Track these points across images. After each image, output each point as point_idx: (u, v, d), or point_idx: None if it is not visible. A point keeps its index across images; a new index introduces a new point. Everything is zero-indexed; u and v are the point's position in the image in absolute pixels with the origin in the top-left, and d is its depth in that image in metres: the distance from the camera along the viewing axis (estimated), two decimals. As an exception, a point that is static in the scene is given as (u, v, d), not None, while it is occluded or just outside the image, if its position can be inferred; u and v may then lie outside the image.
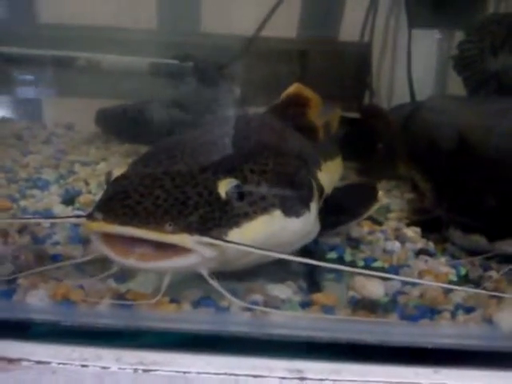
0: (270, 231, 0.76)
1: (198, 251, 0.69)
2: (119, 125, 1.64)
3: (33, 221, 0.96)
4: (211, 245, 0.70)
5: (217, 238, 0.70)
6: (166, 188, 0.72)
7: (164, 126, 1.41)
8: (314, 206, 0.85)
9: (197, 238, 0.68)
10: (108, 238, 0.71)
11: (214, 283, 0.72)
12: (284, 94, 1.07)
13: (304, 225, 0.81)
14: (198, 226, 0.69)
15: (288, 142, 0.94)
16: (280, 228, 0.77)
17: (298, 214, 0.79)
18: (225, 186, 0.73)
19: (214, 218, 0.71)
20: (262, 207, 0.75)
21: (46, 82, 1.59)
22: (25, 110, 1.85)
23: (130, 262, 0.69)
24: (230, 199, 0.73)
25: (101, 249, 0.71)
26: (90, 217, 0.71)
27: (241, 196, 0.74)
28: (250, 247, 0.72)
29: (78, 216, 0.78)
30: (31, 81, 1.63)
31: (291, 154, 0.88)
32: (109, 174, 0.77)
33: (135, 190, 0.71)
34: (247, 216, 0.74)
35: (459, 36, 1.58)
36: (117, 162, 1.46)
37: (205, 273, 0.72)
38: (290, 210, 0.78)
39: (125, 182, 0.74)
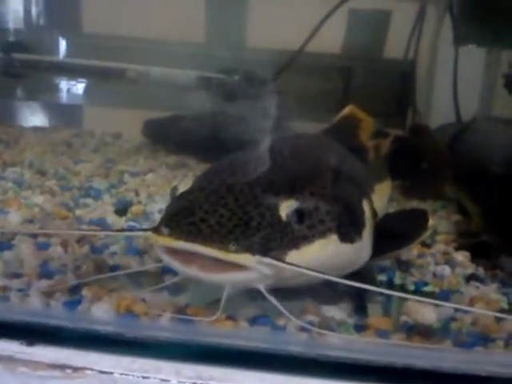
0: (326, 255, 0.78)
1: (256, 268, 0.72)
2: (166, 135, 1.67)
3: (101, 233, 0.99)
4: (270, 264, 0.73)
5: (276, 259, 0.72)
6: (229, 207, 0.74)
7: (210, 138, 1.44)
8: (368, 232, 0.86)
9: (258, 258, 0.71)
10: (171, 249, 0.73)
11: (273, 300, 0.74)
12: (339, 116, 1.09)
13: (357, 250, 0.82)
14: (260, 246, 0.71)
15: (345, 164, 0.95)
16: (335, 252, 0.79)
17: (352, 240, 0.80)
18: (286, 209, 0.75)
19: (275, 240, 0.73)
20: (319, 231, 0.77)
21: (94, 92, 1.64)
22: (73, 118, 1.91)
23: (194, 272, 0.72)
24: (290, 221, 0.75)
25: (166, 259, 0.74)
26: (156, 231, 0.73)
27: (300, 219, 0.76)
28: (307, 270, 0.73)
29: (145, 230, 0.80)
30: (80, 90, 1.68)
31: (348, 177, 0.89)
32: (174, 188, 0.80)
33: (200, 207, 0.74)
34: (305, 239, 0.76)
35: (507, 54, 1.56)
36: (165, 174, 1.48)
37: (263, 289, 0.74)
38: (345, 236, 0.79)
39: (190, 198, 0.76)
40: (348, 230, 0.80)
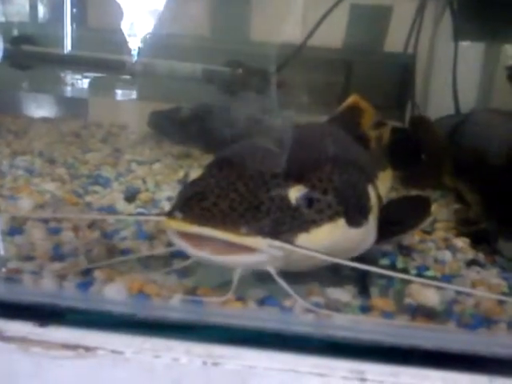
0: (334, 238, 0.80)
1: (266, 250, 0.74)
2: (171, 127, 1.69)
3: (117, 217, 1.01)
4: (280, 247, 0.75)
5: (286, 242, 0.75)
6: (240, 192, 0.76)
7: (214, 129, 1.46)
8: (374, 217, 0.88)
9: (269, 240, 0.73)
10: (182, 233, 0.76)
11: (281, 282, 0.77)
12: (343, 105, 1.11)
13: (363, 234, 0.85)
14: (270, 229, 0.74)
15: (351, 152, 0.97)
16: (342, 236, 0.81)
17: (359, 224, 0.83)
18: (295, 193, 0.77)
19: (285, 223, 0.76)
20: (327, 215, 0.79)
21: (101, 84, 1.66)
22: (80, 109, 1.92)
23: (205, 254, 0.74)
24: (299, 205, 0.77)
25: (178, 243, 0.76)
26: (170, 216, 0.75)
27: (309, 203, 0.78)
28: (316, 253, 0.76)
29: (159, 214, 0.82)
30: (87, 82, 1.70)
31: (354, 163, 0.91)
32: (186, 175, 0.82)
33: (212, 192, 0.76)
34: (314, 223, 0.78)
35: (507, 49, 1.58)
36: (170, 163, 1.50)
37: (273, 271, 0.77)
38: (352, 220, 0.81)
39: (202, 184, 0.78)
40: (355, 214, 0.83)
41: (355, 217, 0.83)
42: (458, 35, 1.69)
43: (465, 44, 1.72)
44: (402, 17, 1.77)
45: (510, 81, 1.45)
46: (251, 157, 0.83)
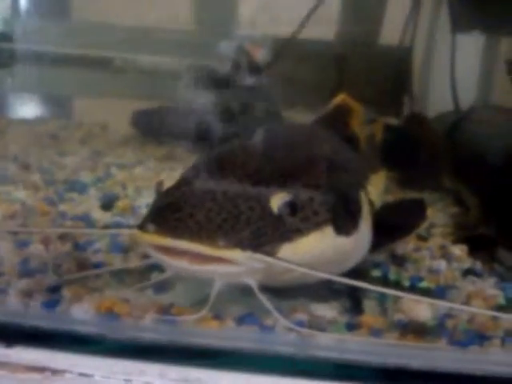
0: (321, 248, 0.74)
1: (246, 262, 0.69)
2: (155, 127, 1.64)
3: (84, 232, 0.96)
4: (261, 259, 0.69)
5: (268, 254, 0.69)
6: (217, 201, 0.71)
7: (203, 128, 1.41)
8: (365, 224, 0.82)
9: (248, 253, 0.68)
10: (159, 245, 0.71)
11: (262, 297, 0.72)
12: (331, 105, 1.05)
13: (354, 244, 0.79)
14: (250, 241, 0.69)
15: (339, 154, 0.92)
16: (330, 246, 0.75)
17: (348, 232, 0.77)
18: (277, 201, 0.72)
19: (266, 234, 0.70)
20: (313, 223, 0.74)
21: (82, 82, 1.60)
22: (59, 109, 1.87)
23: (182, 264, 0.69)
24: (282, 214, 0.72)
25: (153, 254, 0.72)
26: (142, 227, 0.71)
27: (293, 211, 0.73)
28: (299, 267, 0.70)
29: (130, 227, 0.77)
30: (65, 80, 1.64)
31: (342, 167, 0.86)
32: (160, 183, 0.77)
33: (187, 201, 0.71)
34: (299, 232, 0.72)
35: (506, 41, 1.52)
36: (153, 166, 1.45)
37: (253, 284, 0.71)
38: (341, 228, 0.76)
39: (177, 194, 0.73)
40: (344, 221, 0.77)
41: (344, 225, 0.77)
42: (456, 28, 1.62)
43: (463, 37, 1.65)
44: (397, 7, 1.70)
45: (509, 75, 1.40)
46: (229, 163, 0.77)
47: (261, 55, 1.56)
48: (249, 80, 1.52)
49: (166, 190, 0.76)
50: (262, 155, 0.80)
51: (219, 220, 0.68)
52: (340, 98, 1.04)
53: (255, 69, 1.54)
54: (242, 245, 0.67)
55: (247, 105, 1.46)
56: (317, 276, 0.73)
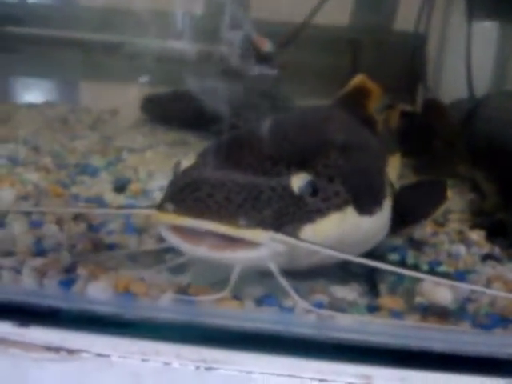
0: (343, 229, 0.73)
1: (267, 245, 0.67)
2: (166, 112, 1.62)
3: (103, 211, 0.94)
4: (282, 240, 0.68)
5: (290, 235, 0.68)
6: (237, 181, 0.69)
7: (212, 114, 1.40)
8: (387, 204, 0.81)
9: (270, 233, 0.67)
10: (175, 228, 0.69)
11: (283, 280, 0.70)
12: (349, 86, 1.03)
13: (377, 223, 0.78)
14: (272, 221, 0.67)
15: (358, 135, 0.90)
16: (352, 226, 0.74)
17: (371, 212, 0.76)
18: (298, 181, 0.71)
19: (287, 214, 0.69)
20: (335, 204, 0.72)
21: (91, 67, 1.59)
22: (67, 94, 1.86)
23: (201, 251, 0.67)
24: (303, 195, 0.71)
25: (170, 239, 0.70)
26: (160, 208, 0.69)
27: (314, 191, 0.71)
28: (322, 248, 0.69)
29: (149, 207, 0.75)
30: (75, 64, 1.63)
31: (363, 147, 0.85)
32: (177, 164, 0.75)
33: (206, 181, 0.69)
34: (320, 212, 0.71)
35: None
36: (164, 151, 1.43)
37: (274, 269, 0.70)
38: (363, 208, 0.75)
39: (195, 174, 0.72)
40: (366, 201, 0.76)
41: (366, 204, 0.76)
42: (471, 14, 1.59)
43: (478, 24, 1.63)
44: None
45: None
46: (249, 143, 0.76)
47: (267, 47, 1.54)
48: (256, 70, 1.51)
49: (183, 171, 0.74)
50: (281, 136, 0.79)
51: (239, 200, 0.67)
52: (358, 79, 1.02)
53: (263, 59, 1.52)
54: (263, 224, 0.66)
55: (256, 93, 1.44)
56: (339, 257, 0.71)
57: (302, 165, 0.73)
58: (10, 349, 0.66)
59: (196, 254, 0.69)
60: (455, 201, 1.21)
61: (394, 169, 1.03)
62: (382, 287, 0.83)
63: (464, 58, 1.61)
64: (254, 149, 0.74)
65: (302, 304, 0.70)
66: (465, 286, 0.78)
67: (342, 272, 0.83)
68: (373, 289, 0.82)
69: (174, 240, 0.69)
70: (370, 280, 0.84)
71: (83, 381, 0.66)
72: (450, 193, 0.91)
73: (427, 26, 1.69)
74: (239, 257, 0.67)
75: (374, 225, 0.77)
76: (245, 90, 1.49)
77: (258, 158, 0.72)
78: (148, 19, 1.48)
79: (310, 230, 0.70)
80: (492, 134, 1.21)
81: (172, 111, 1.61)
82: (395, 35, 1.73)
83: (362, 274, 0.84)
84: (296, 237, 0.68)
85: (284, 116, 0.87)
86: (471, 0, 1.61)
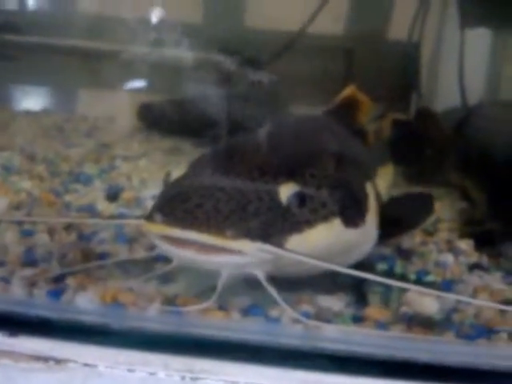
0: (329, 240, 0.74)
1: (255, 254, 0.68)
2: (162, 120, 1.63)
3: (91, 221, 0.95)
4: (269, 250, 0.69)
5: (277, 245, 0.69)
6: (225, 192, 0.70)
7: (208, 122, 1.41)
8: (372, 217, 0.82)
9: (258, 244, 0.68)
10: (166, 235, 0.70)
11: (269, 287, 0.71)
12: (339, 97, 1.05)
13: (361, 236, 0.79)
14: (259, 232, 0.68)
15: (347, 147, 0.91)
16: (338, 237, 0.75)
17: (356, 224, 0.77)
18: (285, 192, 0.72)
19: (275, 224, 0.70)
20: (322, 215, 0.73)
21: (87, 74, 1.60)
22: (63, 101, 1.87)
23: (189, 254, 0.68)
24: (290, 205, 0.72)
25: (159, 244, 0.71)
26: (149, 218, 0.70)
27: (301, 202, 0.72)
28: (309, 259, 0.69)
29: (137, 217, 0.77)
30: (72, 72, 1.64)
31: (351, 159, 0.86)
32: (168, 174, 0.76)
33: (195, 192, 0.70)
34: (307, 223, 0.72)
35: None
36: (159, 159, 1.45)
37: (261, 276, 0.71)
38: (348, 220, 0.75)
39: (185, 184, 0.73)
40: (352, 213, 0.77)
41: (352, 216, 0.76)
42: (464, 23, 1.60)
43: (472, 32, 1.64)
44: (406, 3, 1.70)
45: None
46: (238, 153, 0.77)
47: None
48: (251, 77, 1.52)
49: (173, 181, 0.76)
50: (270, 146, 0.80)
51: (227, 210, 0.68)
52: (349, 90, 1.04)
53: (256, 66, 1.53)
54: (250, 235, 0.67)
55: (251, 101, 1.45)
56: (325, 267, 0.73)
57: (290, 175, 0.74)
58: (0, 359, 0.67)
59: (184, 257, 0.70)
60: (445, 210, 1.22)
61: (385, 179, 1.04)
62: (370, 297, 0.84)
63: (457, 66, 1.63)
64: (243, 159, 0.75)
65: (290, 313, 0.71)
66: (450, 296, 0.78)
67: (329, 282, 0.83)
68: (361, 299, 0.83)
69: (162, 245, 0.71)
70: (358, 290, 0.84)
71: (71, 390, 0.69)
72: (437, 205, 0.92)
73: (421, 34, 1.70)
74: (225, 261, 0.68)
75: (359, 236, 0.78)
76: (240, 97, 1.51)
77: (246, 169, 0.73)
78: (144, 27, 1.50)
79: (297, 241, 0.70)
80: (482, 144, 1.22)
81: (167, 119, 1.63)
82: (389, 44, 1.74)
83: (349, 284, 0.84)
84: (283, 247, 0.69)
85: (273, 126, 0.88)
86: (464, 9, 1.62)
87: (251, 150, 0.78)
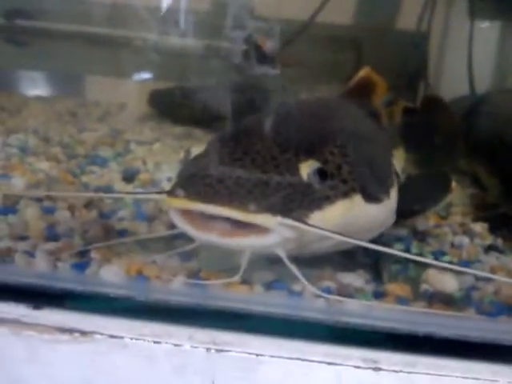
0: (350, 216, 0.74)
1: (277, 231, 0.68)
2: (173, 106, 1.63)
3: (115, 196, 0.96)
4: (291, 226, 0.69)
5: (298, 220, 0.69)
6: (247, 167, 0.71)
7: (217, 108, 1.42)
8: (394, 193, 0.83)
9: (279, 219, 0.68)
10: (185, 214, 0.70)
11: (291, 266, 0.72)
12: (355, 78, 1.06)
13: (383, 211, 0.79)
14: (281, 206, 0.68)
15: (366, 126, 0.92)
16: (359, 213, 0.75)
17: (377, 200, 0.77)
18: (306, 168, 0.72)
19: (296, 200, 0.70)
20: (342, 191, 0.74)
21: (99, 61, 1.61)
22: (77, 87, 1.87)
23: (211, 237, 0.69)
24: (311, 181, 0.72)
25: (181, 225, 0.71)
26: (171, 193, 0.70)
27: (322, 179, 0.73)
28: (331, 233, 0.70)
29: (160, 192, 0.77)
30: (83, 59, 1.65)
31: (370, 138, 0.86)
32: (187, 151, 0.77)
33: (216, 168, 0.71)
34: (328, 199, 0.72)
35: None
36: (171, 143, 1.45)
37: (283, 255, 0.71)
38: (370, 196, 0.76)
39: (205, 160, 0.73)
40: (373, 189, 0.77)
41: (374, 192, 0.77)
42: (473, 13, 1.62)
43: (480, 23, 1.66)
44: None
45: None
46: (258, 131, 0.77)
47: (269, 46, 1.56)
48: (259, 69, 1.53)
49: (193, 158, 0.76)
50: (290, 125, 0.80)
51: (249, 186, 0.68)
52: (364, 72, 1.04)
53: (264, 58, 1.54)
54: (272, 210, 0.67)
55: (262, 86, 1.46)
56: (348, 242, 0.73)
57: (310, 153, 0.74)
58: (25, 331, 0.68)
59: (206, 239, 0.70)
60: (457, 194, 1.22)
61: (399, 161, 1.04)
62: (386, 275, 0.85)
63: (465, 56, 1.63)
64: (263, 137, 0.76)
65: (311, 289, 0.72)
66: (471, 272, 0.79)
67: (347, 260, 0.84)
68: (377, 277, 0.83)
69: (184, 226, 0.71)
70: (374, 268, 0.85)
71: (96, 361, 0.68)
72: (454, 185, 0.93)
73: (429, 24, 1.70)
74: (249, 243, 0.68)
75: (380, 212, 0.78)
76: (248, 87, 1.51)
77: (267, 146, 0.74)
78: (156, 15, 1.51)
79: (317, 217, 0.71)
80: (492, 130, 1.23)
81: (178, 106, 1.63)
82: (398, 34, 1.75)
83: (366, 263, 0.86)
84: (304, 222, 0.69)
85: (292, 105, 0.89)
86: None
87: (272, 128, 0.78)
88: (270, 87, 1.49)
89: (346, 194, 0.74)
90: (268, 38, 1.55)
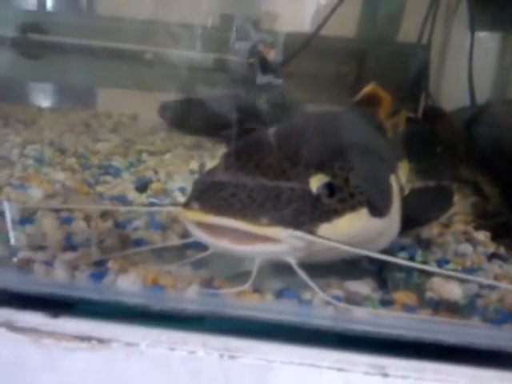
0: (356, 229, 0.77)
1: (288, 242, 0.71)
2: (183, 117, 1.67)
3: (131, 209, 0.99)
4: (301, 237, 0.72)
5: (308, 232, 0.72)
6: (259, 181, 0.74)
7: (226, 119, 1.44)
8: (397, 207, 0.85)
9: (290, 231, 0.71)
10: (200, 223, 0.74)
11: (301, 273, 0.75)
12: (361, 93, 1.09)
13: (387, 225, 0.82)
14: (292, 219, 0.72)
15: (372, 140, 0.95)
16: (365, 226, 0.79)
17: (382, 214, 0.80)
18: (316, 182, 0.75)
19: (306, 213, 0.73)
20: (350, 205, 0.77)
21: (111, 74, 1.65)
22: (89, 99, 1.91)
23: (225, 244, 0.72)
24: (320, 195, 0.75)
25: (195, 233, 0.75)
26: (186, 206, 0.73)
27: (331, 192, 0.76)
28: (339, 244, 0.73)
29: (175, 204, 0.79)
30: (95, 72, 1.69)
31: (376, 152, 0.90)
32: (202, 165, 0.81)
33: (230, 181, 0.74)
34: (336, 213, 0.75)
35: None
36: (182, 154, 1.48)
37: (293, 262, 0.74)
38: (375, 209, 0.79)
39: (219, 174, 0.77)
40: (378, 204, 0.80)
41: (378, 207, 0.80)
42: (474, 25, 1.65)
43: (481, 34, 1.69)
44: (416, 6, 1.74)
45: None
46: (269, 146, 0.81)
47: (273, 56, 1.59)
48: (262, 79, 1.56)
49: (208, 171, 0.79)
50: (300, 139, 0.83)
51: (261, 199, 0.71)
52: (370, 87, 1.07)
53: (268, 69, 1.57)
54: (283, 223, 0.70)
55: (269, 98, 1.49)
56: (354, 253, 0.76)
57: (320, 167, 0.77)
58: (43, 339, 0.70)
59: (219, 246, 0.73)
60: (458, 203, 1.22)
61: (403, 173, 1.07)
62: (392, 284, 0.87)
63: (466, 67, 1.67)
64: (274, 151, 0.79)
65: (322, 295, 0.75)
66: (476, 279, 0.82)
67: (353, 269, 0.87)
68: (382, 285, 0.86)
69: (198, 234, 0.74)
70: (379, 277, 0.88)
71: (113, 369, 0.70)
72: (456, 199, 0.95)
73: (430, 36, 1.74)
74: (260, 250, 0.72)
75: (383, 226, 0.82)
76: (254, 98, 1.54)
77: (278, 160, 0.77)
78: (165, 30, 1.54)
79: (326, 229, 0.74)
80: (492, 140, 1.26)
81: (187, 117, 1.67)
82: (399, 46, 1.79)
83: (370, 272, 0.88)
84: (314, 234, 0.72)
85: (301, 120, 0.91)
86: (473, 11, 1.67)
87: (282, 142, 0.81)
88: (273, 97, 1.53)
89: (353, 208, 0.77)
90: (272, 48, 1.59)
